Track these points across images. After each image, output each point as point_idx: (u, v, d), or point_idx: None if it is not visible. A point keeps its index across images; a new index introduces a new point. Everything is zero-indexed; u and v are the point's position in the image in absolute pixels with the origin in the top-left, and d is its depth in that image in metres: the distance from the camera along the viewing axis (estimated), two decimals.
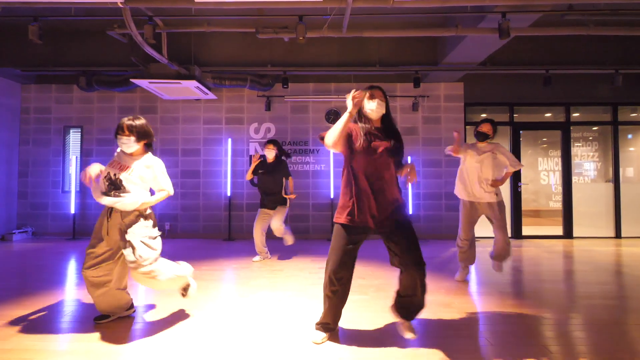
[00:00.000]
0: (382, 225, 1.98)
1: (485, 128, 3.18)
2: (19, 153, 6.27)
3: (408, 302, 2.05)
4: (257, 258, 4.30)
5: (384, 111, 2.13)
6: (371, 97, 2.10)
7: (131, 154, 2.25)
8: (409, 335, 2.05)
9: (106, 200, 2.13)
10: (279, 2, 3.16)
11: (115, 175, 2.16)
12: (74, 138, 6.30)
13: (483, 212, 3.29)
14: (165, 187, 2.28)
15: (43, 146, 6.26)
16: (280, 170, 4.14)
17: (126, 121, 2.21)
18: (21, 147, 6.28)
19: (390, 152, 2.01)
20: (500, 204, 3.23)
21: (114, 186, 2.15)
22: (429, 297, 2.29)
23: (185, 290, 2.46)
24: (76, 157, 6.15)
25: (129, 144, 2.19)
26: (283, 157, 4.23)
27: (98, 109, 6.22)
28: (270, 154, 4.11)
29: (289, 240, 4.34)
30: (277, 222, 4.14)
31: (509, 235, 6.09)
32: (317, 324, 2.13)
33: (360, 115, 2.14)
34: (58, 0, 3.25)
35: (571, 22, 4.56)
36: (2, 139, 5.97)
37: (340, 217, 2.02)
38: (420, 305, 2.05)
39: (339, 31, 3.98)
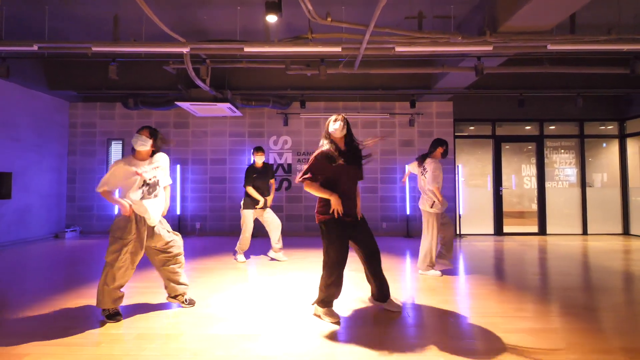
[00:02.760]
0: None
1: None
2: (68, 162, 7.20)
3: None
4: (242, 258, 4.63)
5: (344, 133, 2.62)
6: (335, 121, 2.62)
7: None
8: (397, 307, 2.81)
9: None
10: (308, 51, 4.15)
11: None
12: (115, 149, 7.25)
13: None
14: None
15: (89, 156, 7.20)
16: (270, 173, 4.63)
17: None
18: (69, 157, 7.21)
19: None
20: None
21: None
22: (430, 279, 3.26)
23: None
24: None
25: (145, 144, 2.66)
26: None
27: (137, 124, 7.16)
28: (261, 159, 4.56)
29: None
30: (277, 220, 4.64)
31: (492, 232, 7.14)
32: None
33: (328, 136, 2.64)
34: (137, 50, 4.21)
35: (530, 62, 5.68)
36: (53, 150, 6.90)
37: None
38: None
39: (351, 68, 5.00)
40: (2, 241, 5.85)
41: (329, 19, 3.64)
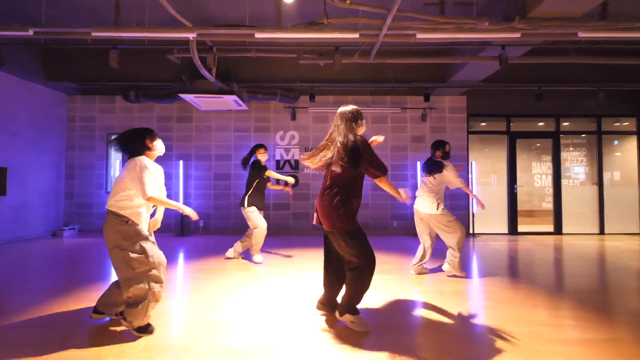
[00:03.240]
0: None
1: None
2: (66, 158, 6.92)
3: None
4: (260, 258, 4.34)
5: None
6: (364, 121, 2.51)
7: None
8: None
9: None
10: (323, 38, 3.88)
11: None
12: None
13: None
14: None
15: (88, 151, 6.92)
16: None
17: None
18: (67, 152, 6.93)
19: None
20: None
21: None
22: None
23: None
24: (119, 161, 6.81)
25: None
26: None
27: (138, 118, 6.89)
28: (265, 157, 4.49)
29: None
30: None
31: (507, 231, 6.90)
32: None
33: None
34: (139, 36, 3.93)
35: (556, 52, 5.38)
36: (51, 145, 6.62)
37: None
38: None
39: (366, 58, 4.72)
40: None
41: (348, 2, 3.37)
